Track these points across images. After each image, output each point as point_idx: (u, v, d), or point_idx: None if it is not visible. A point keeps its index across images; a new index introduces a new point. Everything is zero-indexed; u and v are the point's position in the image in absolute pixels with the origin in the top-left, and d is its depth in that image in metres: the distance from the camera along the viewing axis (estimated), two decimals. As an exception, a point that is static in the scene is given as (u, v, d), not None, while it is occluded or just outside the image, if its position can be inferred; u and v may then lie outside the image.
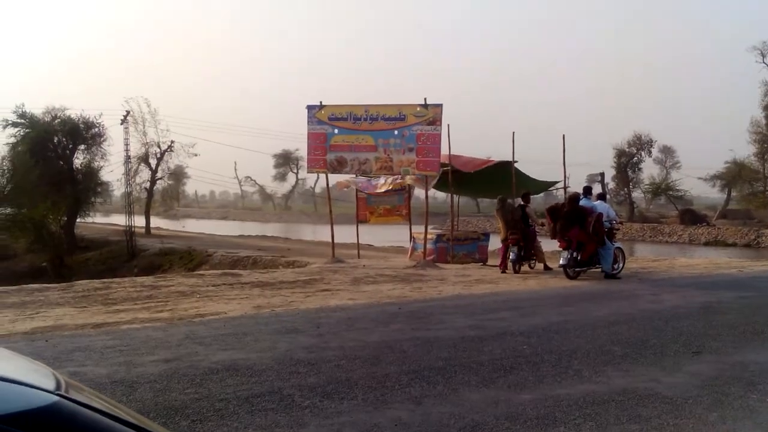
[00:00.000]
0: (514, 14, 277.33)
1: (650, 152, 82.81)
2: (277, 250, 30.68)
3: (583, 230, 14.89)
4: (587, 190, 16.87)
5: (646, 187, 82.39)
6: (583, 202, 15.79)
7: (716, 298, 11.81)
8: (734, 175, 72.64)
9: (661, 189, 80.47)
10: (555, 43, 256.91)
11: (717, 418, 5.31)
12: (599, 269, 15.34)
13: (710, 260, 24.31)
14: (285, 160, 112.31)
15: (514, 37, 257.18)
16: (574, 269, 15.10)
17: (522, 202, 17.63)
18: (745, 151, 71.49)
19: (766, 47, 65.57)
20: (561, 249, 15.58)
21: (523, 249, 16.82)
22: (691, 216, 71.73)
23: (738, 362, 7.04)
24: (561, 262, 15.29)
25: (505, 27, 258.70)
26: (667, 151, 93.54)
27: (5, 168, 42.34)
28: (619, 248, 15.95)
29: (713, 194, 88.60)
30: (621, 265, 15.85)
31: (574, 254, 15.01)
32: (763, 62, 65.87)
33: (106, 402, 1.82)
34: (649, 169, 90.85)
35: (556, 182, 23.78)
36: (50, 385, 1.63)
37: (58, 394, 1.57)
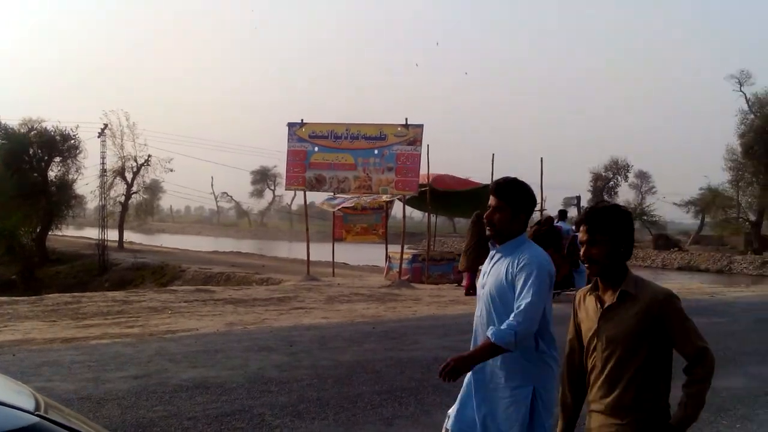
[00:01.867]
0: (492, 37, 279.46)
1: (626, 177, 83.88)
2: (251, 266, 30.47)
3: (557, 253, 14.75)
4: (563, 214, 16.87)
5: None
6: (559, 225, 15.81)
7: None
8: (708, 202, 73.40)
9: (636, 214, 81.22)
10: (535, 66, 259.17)
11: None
12: (573, 292, 15.34)
13: (683, 285, 24.51)
14: (262, 177, 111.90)
15: (494, 59, 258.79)
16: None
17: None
18: (720, 178, 72.35)
19: (744, 76, 66.59)
20: None
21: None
22: (665, 241, 72.43)
23: (711, 387, 7.04)
24: None
25: (485, 48, 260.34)
26: (642, 176, 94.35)
27: (-21, 179, 41.80)
28: None
29: (687, 220, 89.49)
30: None
31: None
32: (740, 90, 66.84)
33: (83, 422, 1.81)
34: (625, 194, 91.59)
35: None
36: (30, 405, 1.62)
37: (37, 415, 1.56)
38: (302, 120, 19.44)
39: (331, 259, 24.25)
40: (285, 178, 20.65)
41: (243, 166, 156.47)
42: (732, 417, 6.01)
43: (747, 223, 70.87)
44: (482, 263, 13.85)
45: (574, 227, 15.67)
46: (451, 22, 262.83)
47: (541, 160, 21.27)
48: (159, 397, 6.10)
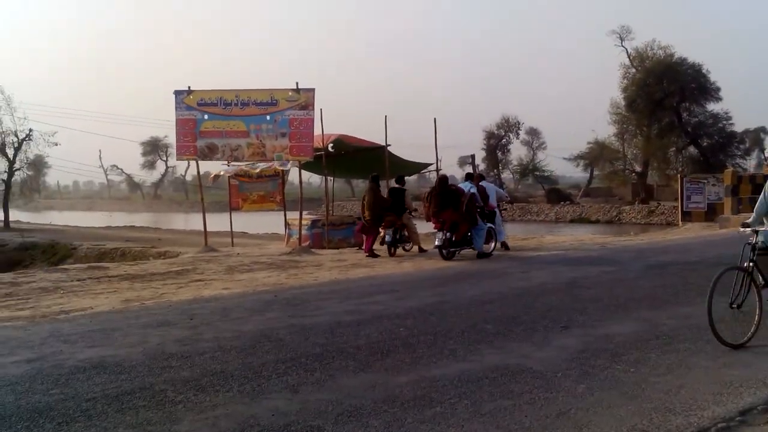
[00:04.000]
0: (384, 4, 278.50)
1: (518, 134, 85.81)
2: (146, 240, 29.73)
3: (456, 211, 15.13)
4: (469, 176, 17.17)
5: (514, 167, 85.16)
6: (464, 185, 16.12)
7: (582, 274, 12.30)
8: (596, 155, 75.82)
9: (529, 169, 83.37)
10: (428, 29, 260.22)
11: (585, 389, 5.50)
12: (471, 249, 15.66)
13: (575, 237, 25.38)
14: (153, 148, 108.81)
15: (388, 23, 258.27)
16: (449, 250, 15.33)
17: (397, 185, 17.65)
18: (607, 131, 74.89)
19: (624, 31, 68.74)
20: (435, 230, 15.79)
21: (398, 231, 16.94)
22: (557, 195, 74.76)
23: (603, 335, 7.33)
24: (436, 243, 15.49)
25: (380, 11, 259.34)
26: (533, 132, 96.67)
27: None
28: (492, 228, 16.24)
29: (577, 174, 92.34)
30: (494, 244, 16.26)
31: (449, 235, 15.23)
32: (622, 45, 69.00)
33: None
34: (517, 151, 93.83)
35: (429, 164, 24.19)
36: None
37: None
38: (189, 87, 18.90)
39: (229, 229, 23.93)
40: (175, 148, 20.09)
41: (133, 137, 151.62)
42: (626, 362, 6.25)
43: (633, 174, 73.69)
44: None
45: (471, 186, 15.96)
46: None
47: (435, 121, 21.47)
48: (55, 379, 5.89)
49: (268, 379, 5.83)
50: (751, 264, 6.88)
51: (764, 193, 7.16)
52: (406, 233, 17.14)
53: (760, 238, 6.99)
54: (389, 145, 20.87)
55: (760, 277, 6.97)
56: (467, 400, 5.24)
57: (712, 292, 6.56)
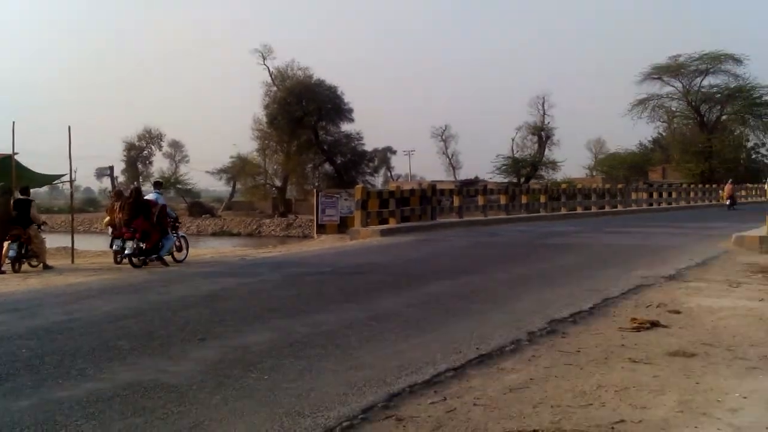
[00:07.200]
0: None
1: (160, 146, 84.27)
2: None
3: (147, 221, 15.70)
4: (158, 184, 18.31)
5: (156, 180, 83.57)
6: (152, 196, 16.63)
7: (221, 286, 12.36)
8: (239, 169, 77.17)
9: (171, 182, 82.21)
10: (48, 30, 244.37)
11: (220, 400, 5.54)
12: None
13: (217, 250, 25.51)
14: None
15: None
16: (140, 258, 15.66)
17: (22, 196, 16.32)
18: (249, 146, 76.51)
19: (267, 50, 71.02)
20: (113, 238, 16.66)
21: (24, 246, 15.70)
22: (199, 208, 74.75)
23: (240, 345, 7.42)
24: (126, 251, 15.67)
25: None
26: (176, 145, 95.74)
27: None
28: (184, 237, 17.39)
29: (220, 187, 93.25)
30: (186, 252, 17.20)
31: (140, 244, 15.62)
32: (264, 64, 71.16)
33: None
34: (159, 163, 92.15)
35: (62, 175, 22.78)
36: None
37: None
38: None
39: None
40: None
41: None
42: (260, 370, 6.39)
43: (274, 188, 76.21)
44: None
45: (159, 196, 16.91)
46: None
47: (69, 129, 20.20)
48: None
49: None
50: None
51: None
52: (32, 248, 15.96)
53: None
54: (17, 153, 19.24)
55: None
56: (95, 421, 5.00)
57: None
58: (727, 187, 43.41)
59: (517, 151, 77.43)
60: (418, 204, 27.31)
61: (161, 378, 6.13)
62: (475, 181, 64.86)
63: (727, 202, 41.63)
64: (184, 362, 6.74)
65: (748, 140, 77.45)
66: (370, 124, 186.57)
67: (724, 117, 75.61)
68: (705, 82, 73.09)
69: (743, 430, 4.88)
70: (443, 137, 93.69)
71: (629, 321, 8.45)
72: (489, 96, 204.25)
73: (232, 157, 78.63)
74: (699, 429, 4.90)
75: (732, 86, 71.75)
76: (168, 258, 16.25)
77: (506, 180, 69.39)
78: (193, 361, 6.76)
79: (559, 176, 75.30)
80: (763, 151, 75.94)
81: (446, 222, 27.91)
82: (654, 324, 8.29)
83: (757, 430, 4.88)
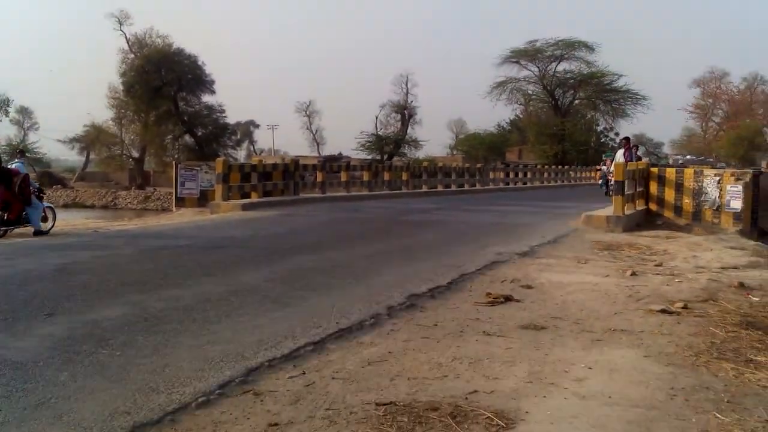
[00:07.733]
0: None
1: (7, 112, 79.48)
2: None
3: (9, 190, 15.25)
4: (21, 153, 18.74)
5: (2, 148, 78.86)
6: (16, 165, 16.32)
7: (72, 259, 11.81)
8: (93, 139, 74.22)
9: (18, 150, 77.94)
10: None
11: (68, 377, 5.30)
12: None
13: (68, 222, 24.34)
14: None
15: None
16: (1, 228, 15.34)
17: None
18: (105, 115, 73.59)
19: (124, 15, 68.24)
20: None
21: None
22: (49, 178, 71.16)
23: (91, 320, 7.12)
24: None
25: None
26: (24, 111, 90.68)
27: None
28: (50, 207, 16.84)
29: (72, 157, 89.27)
30: (52, 223, 16.65)
31: (1, 214, 15.29)
32: (120, 30, 68.35)
33: None
34: (6, 130, 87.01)
35: None
36: None
37: None
38: None
39: None
40: None
41: None
42: (112, 346, 6.16)
43: (131, 159, 73.76)
44: None
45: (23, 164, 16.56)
46: None
47: None
48: None
49: None
50: None
51: None
52: None
53: None
54: None
55: None
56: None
57: None
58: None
59: (381, 129, 78.51)
60: (281, 179, 27.12)
61: (4, 354, 5.80)
62: (338, 157, 65.06)
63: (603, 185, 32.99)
64: (30, 338, 6.40)
65: (598, 124, 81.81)
66: (233, 97, 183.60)
67: (576, 101, 79.54)
68: (560, 68, 76.70)
69: (588, 398, 5.12)
70: (307, 113, 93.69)
71: (484, 296, 8.71)
72: (354, 74, 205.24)
73: (85, 125, 75.45)
74: (547, 398, 5.11)
75: (585, 72, 75.43)
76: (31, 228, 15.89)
77: (370, 157, 70.10)
78: (39, 337, 6.43)
79: (421, 154, 77.10)
80: (611, 135, 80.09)
81: (309, 197, 27.87)
82: (507, 298, 8.57)
83: (600, 398, 5.13)
